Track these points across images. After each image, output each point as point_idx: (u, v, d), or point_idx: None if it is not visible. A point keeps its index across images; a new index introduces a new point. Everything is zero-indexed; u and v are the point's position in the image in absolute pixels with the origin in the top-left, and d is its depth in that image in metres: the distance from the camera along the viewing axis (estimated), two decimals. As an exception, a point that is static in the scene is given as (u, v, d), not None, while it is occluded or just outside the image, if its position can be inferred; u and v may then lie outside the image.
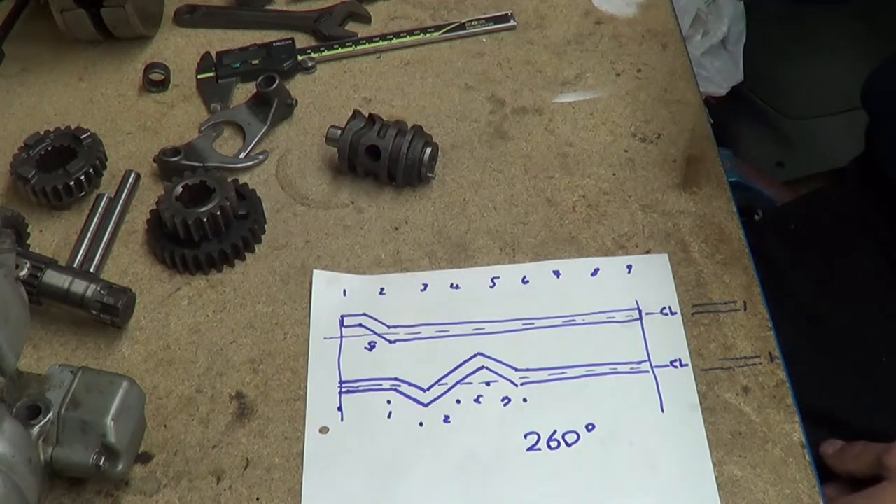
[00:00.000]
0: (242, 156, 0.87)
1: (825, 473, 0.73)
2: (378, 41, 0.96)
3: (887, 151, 0.85)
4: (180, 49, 0.98)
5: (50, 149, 0.85)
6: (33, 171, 0.83)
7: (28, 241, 0.82)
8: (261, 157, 0.87)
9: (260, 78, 0.89)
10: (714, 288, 0.76)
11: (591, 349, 0.73)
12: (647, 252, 0.78)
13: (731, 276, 0.76)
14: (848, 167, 0.94)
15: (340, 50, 0.96)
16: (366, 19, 0.99)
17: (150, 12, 0.98)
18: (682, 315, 0.74)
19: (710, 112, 0.92)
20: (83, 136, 0.85)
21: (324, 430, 0.71)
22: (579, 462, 0.68)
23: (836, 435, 0.76)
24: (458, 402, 0.71)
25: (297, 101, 0.91)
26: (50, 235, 0.84)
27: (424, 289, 0.77)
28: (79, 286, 0.74)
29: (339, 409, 0.71)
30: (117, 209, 0.84)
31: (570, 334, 0.74)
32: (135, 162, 0.88)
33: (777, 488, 0.66)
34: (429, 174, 0.83)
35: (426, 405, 0.71)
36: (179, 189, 0.80)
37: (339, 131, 0.83)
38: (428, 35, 0.96)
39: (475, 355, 0.74)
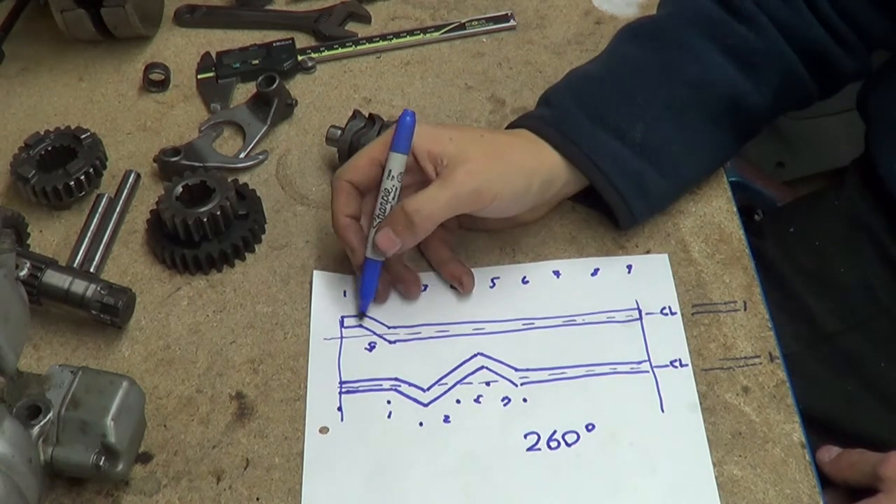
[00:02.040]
0: (242, 156, 0.87)
1: (824, 479, 0.73)
2: (378, 41, 0.96)
3: (885, 158, 0.85)
4: (180, 49, 0.98)
5: (50, 149, 0.85)
6: (33, 171, 0.83)
7: (28, 241, 0.82)
8: (261, 157, 0.87)
9: (260, 78, 0.89)
10: (714, 288, 0.76)
11: (591, 349, 0.73)
12: (647, 252, 0.78)
13: (731, 276, 0.76)
14: (848, 168, 0.94)
15: (340, 50, 0.96)
16: (366, 19, 0.99)
17: (150, 12, 0.98)
18: (682, 315, 0.74)
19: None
20: (83, 136, 0.85)
21: (324, 430, 0.71)
22: (579, 462, 0.68)
23: (834, 440, 0.76)
24: (458, 402, 0.71)
25: (297, 101, 0.91)
26: (50, 235, 0.84)
27: (425, 289, 0.77)
28: (79, 286, 0.74)
29: (339, 409, 0.72)
30: (117, 209, 0.84)
31: (570, 334, 0.74)
32: (135, 162, 0.88)
33: (777, 488, 0.66)
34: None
35: (426, 405, 0.71)
36: (179, 189, 0.80)
37: (339, 131, 0.83)
38: (428, 35, 0.96)
39: (475, 355, 0.74)
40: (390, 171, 0.71)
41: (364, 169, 0.73)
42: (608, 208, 0.77)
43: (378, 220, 0.72)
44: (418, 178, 0.72)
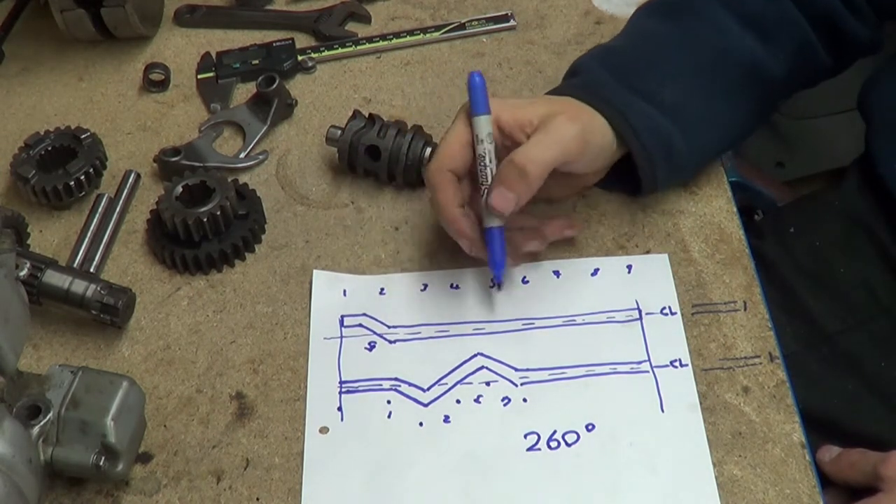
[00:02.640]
0: (242, 156, 0.87)
1: (824, 479, 0.73)
2: (378, 41, 0.96)
3: (884, 158, 0.85)
4: (180, 49, 0.98)
5: (50, 149, 0.85)
6: (33, 171, 0.83)
7: (28, 241, 0.82)
8: (261, 157, 0.87)
9: (260, 78, 0.89)
10: (714, 288, 0.76)
11: (591, 349, 0.73)
12: (647, 252, 0.78)
13: (731, 276, 0.76)
14: (848, 168, 0.94)
15: (340, 50, 0.96)
16: (366, 19, 0.99)
17: (150, 12, 0.98)
18: (682, 315, 0.74)
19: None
20: (83, 136, 0.85)
21: (324, 430, 0.71)
22: (579, 462, 0.68)
23: (834, 439, 0.76)
24: (458, 402, 0.71)
25: (297, 101, 0.91)
26: (50, 235, 0.84)
27: (424, 289, 0.77)
28: (79, 286, 0.74)
29: (339, 409, 0.72)
30: (117, 209, 0.84)
31: (570, 334, 0.74)
32: (135, 162, 0.88)
33: (777, 488, 0.66)
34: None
35: (426, 405, 0.71)
36: (179, 189, 0.80)
37: (339, 131, 0.83)
38: (428, 35, 0.96)
39: (475, 355, 0.74)
40: (477, 135, 0.71)
41: (460, 154, 0.71)
42: (623, 182, 0.77)
43: (485, 187, 0.71)
44: (509, 149, 0.71)
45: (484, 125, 0.71)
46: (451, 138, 0.72)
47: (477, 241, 0.72)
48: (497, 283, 0.75)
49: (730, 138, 0.81)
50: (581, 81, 0.77)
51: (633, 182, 0.77)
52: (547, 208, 0.80)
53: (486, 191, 0.71)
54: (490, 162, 0.71)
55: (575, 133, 0.70)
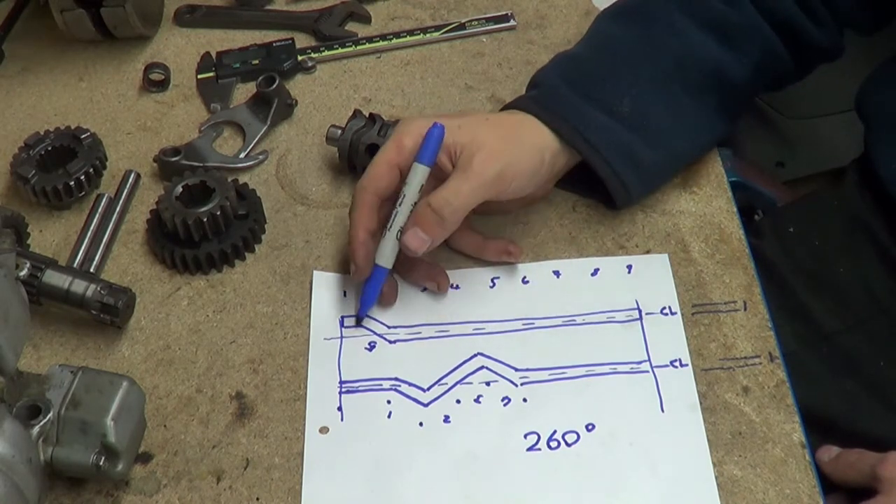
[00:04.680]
0: (242, 156, 0.87)
1: (828, 484, 0.73)
2: (378, 41, 0.96)
3: (883, 158, 0.85)
4: (180, 49, 0.98)
5: (50, 149, 0.85)
6: (33, 171, 0.83)
7: (28, 241, 0.82)
8: (261, 157, 0.87)
9: (260, 78, 0.89)
10: (714, 288, 0.76)
11: (591, 349, 0.73)
12: (647, 252, 0.78)
13: (731, 276, 0.76)
14: (847, 168, 0.94)
15: (340, 50, 0.96)
16: (366, 19, 0.99)
17: (150, 12, 0.98)
18: (682, 315, 0.74)
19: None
20: (83, 136, 0.85)
21: (324, 430, 0.71)
22: (579, 462, 0.68)
23: (832, 439, 0.76)
24: (458, 402, 0.71)
25: (297, 101, 0.91)
26: (50, 235, 0.84)
27: (424, 289, 0.77)
28: (79, 286, 0.74)
29: (339, 409, 0.72)
30: (117, 209, 0.84)
31: (570, 334, 0.74)
32: (135, 162, 0.88)
33: (777, 488, 0.66)
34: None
35: (426, 405, 0.71)
36: (179, 189, 0.80)
37: (340, 131, 0.83)
38: (428, 35, 0.96)
39: (475, 355, 0.74)
40: (411, 182, 0.71)
41: (386, 176, 0.72)
42: (605, 193, 0.77)
43: (390, 227, 0.72)
44: (433, 170, 0.72)
45: (420, 174, 0.71)
46: (379, 159, 0.73)
47: (364, 273, 0.73)
48: (358, 318, 0.75)
49: (701, 142, 0.82)
50: (539, 94, 0.78)
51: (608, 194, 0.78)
52: (549, 210, 0.80)
53: (388, 229, 0.72)
54: (405, 207, 0.71)
55: (494, 174, 0.70)
